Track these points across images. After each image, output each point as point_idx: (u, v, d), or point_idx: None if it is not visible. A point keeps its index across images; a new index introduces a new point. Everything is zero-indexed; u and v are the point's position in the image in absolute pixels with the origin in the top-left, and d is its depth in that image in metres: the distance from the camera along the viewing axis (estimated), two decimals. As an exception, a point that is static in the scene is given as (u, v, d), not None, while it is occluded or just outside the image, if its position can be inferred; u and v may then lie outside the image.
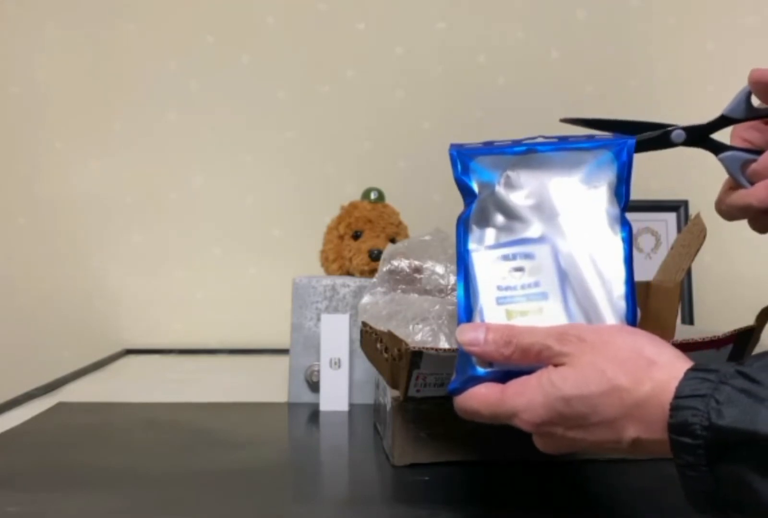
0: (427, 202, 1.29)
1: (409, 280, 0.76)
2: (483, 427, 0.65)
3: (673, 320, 0.68)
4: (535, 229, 0.49)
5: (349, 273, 0.96)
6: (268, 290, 1.28)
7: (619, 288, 0.47)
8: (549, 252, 0.49)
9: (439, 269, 0.77)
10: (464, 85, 1.31)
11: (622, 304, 0.47)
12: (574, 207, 0.49)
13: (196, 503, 0.58)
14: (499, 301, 0.48)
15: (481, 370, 0.47)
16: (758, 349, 0.61)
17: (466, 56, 1.31)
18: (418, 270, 0.77)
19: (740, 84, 0.54)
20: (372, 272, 0.90)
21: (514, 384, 0.45)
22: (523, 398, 0.44)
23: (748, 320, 0.59)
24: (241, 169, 1.31)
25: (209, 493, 0.60)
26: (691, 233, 0.68)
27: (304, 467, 0.69)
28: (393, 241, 0.96)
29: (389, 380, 0.63)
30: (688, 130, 0.56)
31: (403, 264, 0.77)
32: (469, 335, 0.47)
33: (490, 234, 0.50)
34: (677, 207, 1.24)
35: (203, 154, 1.31)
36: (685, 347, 0.53)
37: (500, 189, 0.51)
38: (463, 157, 0.52)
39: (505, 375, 0.46)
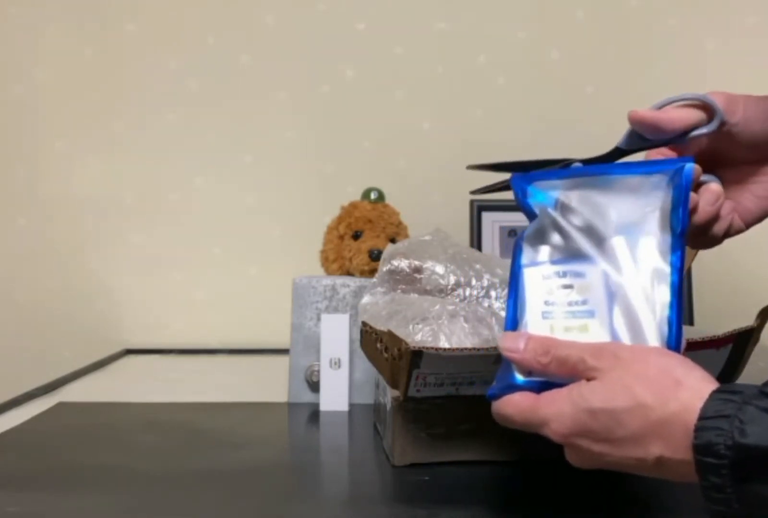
0: (427, 202, 1.29)
1: (409, 280, 0.76)
2: (482, 427, 0.65)
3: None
4: (587, 250, 0.50)
5: (349, 273, 0.96)
6: (268, 290, 1.28)
7: (664, 313, 0.47)
8: (599, 272, 0.49)
9: (439, 269, 0.77)
10: (464, 85, 1.31)
11: (665, 329, 0.47)
12: (625, 231, 0.50)
13: (196, 503, 0.58)
14: (545, 315, 0.49)
15: (520, 379, 0.48)
16: (758, 349, 0.61)
17: (466, 56, 1.31)
18: (418, 270, 0.76)
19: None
20: (372, 272, 0.90)
21: (547, 394, 0.46)
22: (553, 408, 0.45)
23: (748, 320, 0.59)
24: (241, 169, 1.31)
25: (209, 493, 0.60)
26: (691, 233, 0.68)
27: (304, 467, 0.69)
28: (393, 241, 0.96)
29: (389, 380, 0.63)
30: (587, 162, 0.56)
31: (403, 264, 0.77)
32: (509, 342, 0.48)
33: (543, 251, 0.52)
34: (677, 207, 1.23)
35: (203, 154, 1.31)
36: (686, 347, 0.53)
37: (555, 211, 0.52)
38: (521, 183, 0.54)
39: (542, 386, 0.47)
